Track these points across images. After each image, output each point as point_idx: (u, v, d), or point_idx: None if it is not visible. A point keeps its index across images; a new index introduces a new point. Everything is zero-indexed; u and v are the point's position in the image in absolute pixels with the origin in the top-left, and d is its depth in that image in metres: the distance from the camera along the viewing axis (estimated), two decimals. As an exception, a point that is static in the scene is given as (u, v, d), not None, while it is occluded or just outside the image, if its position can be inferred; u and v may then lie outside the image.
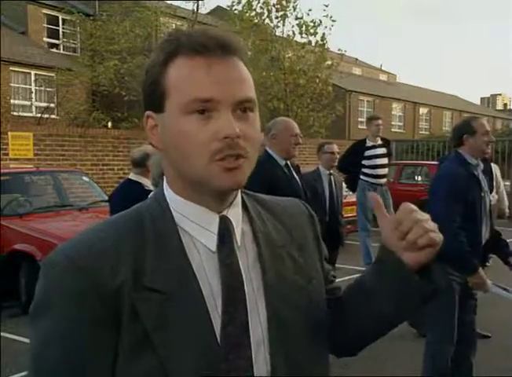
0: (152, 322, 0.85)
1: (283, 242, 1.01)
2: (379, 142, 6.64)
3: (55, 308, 0.85)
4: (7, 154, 9.78)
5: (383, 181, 6.62)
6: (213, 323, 0.89)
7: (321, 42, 16.59)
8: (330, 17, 16.38)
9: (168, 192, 0.96)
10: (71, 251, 0.88)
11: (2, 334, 4.57)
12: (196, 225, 0.93)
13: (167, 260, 0.89)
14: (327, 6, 16.17)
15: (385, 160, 6.43)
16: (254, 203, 1.04)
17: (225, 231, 0.94)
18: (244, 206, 1.00)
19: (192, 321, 0.87)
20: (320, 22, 16.36)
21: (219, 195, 0.93)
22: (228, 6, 17.21)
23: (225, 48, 0.89)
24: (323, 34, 16.50)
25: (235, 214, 0.96)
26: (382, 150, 6.55)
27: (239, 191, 0.99)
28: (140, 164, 4.49)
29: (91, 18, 19.07)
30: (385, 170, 6.22)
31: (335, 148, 5.43)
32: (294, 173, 4.02)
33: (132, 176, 4.66)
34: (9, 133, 10.06)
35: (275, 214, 1.05)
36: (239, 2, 16.41)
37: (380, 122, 6.58)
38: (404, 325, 5.39)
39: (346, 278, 6.78)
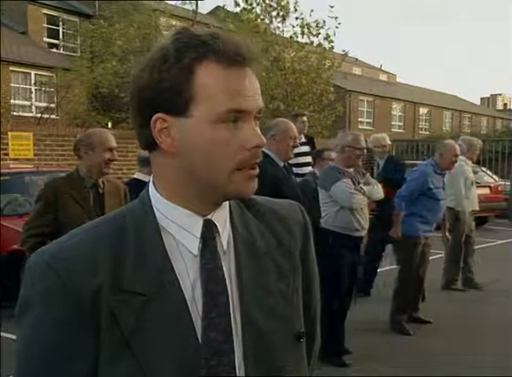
0: (131, 325, 0.85)
1: (268, 248, 0.98)
2: (303, 140, 6.34)
3: (33, 309, 0.87)
4: (7, 154, 9.78)
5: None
6: (195, 328, 0.88)
7: (329, 44, 16.49)
8: (336, 18, 16.31)
9: (153, 194, 0.94)
10: (49, 255, 0.89)
11: (2, 334, 4.58)
12: (180, 228, 0.92)
13: (148, 262, 0.88)
14: (332, 7, 16.12)
15: (308, 158, 6.23)
16: (243, 206, 1.01)
17: (208, 235, 0.92)
18: (229, 212, 0.98)
19: (173, 325, 0.87)
20: (324, 22, 16.33)
21: (223, 200, 0.93)
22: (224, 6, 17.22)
23: (250, 59, 0.90)
24: (327, 34, 16.44)
25: (220, 218, 0.95)
26: (305, 148, 6.35)
27: None
28: (148, 163, 4.48)
29: (90, 19, 19.07)
30: (308, 169, 6.01)
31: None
32: (292, 175, 4.00)
33: (138, 175, 4.64)
34: (9, 133, 10.06)
35: (264, 218, 1.02)
36: (237, 5, 16.38)
37: (305, 118, 6.44)
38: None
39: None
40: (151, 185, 0.96)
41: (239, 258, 0.95)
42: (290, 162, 6.25)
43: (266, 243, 0.99)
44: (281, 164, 3.86)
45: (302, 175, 5.68)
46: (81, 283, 0.85)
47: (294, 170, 6.36)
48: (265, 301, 0.94)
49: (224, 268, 0.92)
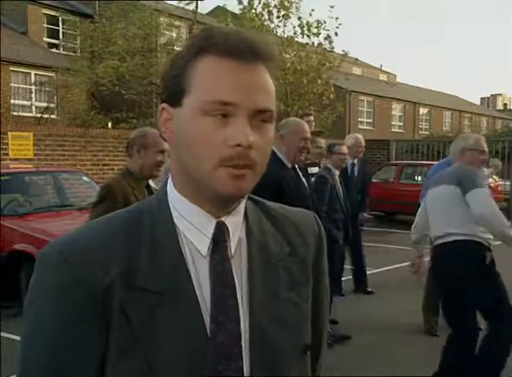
0: (141, 323, 0.84)
1: (282, 255, 0.96)
2: None
3: (44, 302, 0.85)
4: (7, 154, 9.77)
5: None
6: (206, 329, 0.86)
7: (328, 44, 16.47)
8: (336, 18, 16.29)
9: (171, 190, 0.93)
10: (63, 247, 0.87)
11: (2, 334, 4.55)
12: (192, 227, 0.90)
13: (162, 259, 0.87)
14: (332, 7, 16.11)
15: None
16: (259, 211, 0.99)
17: (220, 237, 0.90)
18: (245, 215, 0.96)
19: (184, 325, 0.85)
20: (325, 22, 16.32)
21: (220, 201, 0.89)
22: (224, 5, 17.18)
23: (257, 55, 0.87)
24: (328, 35, 16.43)
25: (234, 221, 0.93)
26: None
27: (244, 198, 0.96)
28: None
29: (90, 19, 19.07)
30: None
31: (345, 149, 5.36)
32: (302, 176, 3.83)
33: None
34: (9, 133, 10.05)
35: (280, 226, 1.00)
36: (240, 3, 16.37)
37: (311, 118, 6.38)
38: (412, 322, 5.39)
39: (346, 278, 6.77)
40: (169, 180, 0.95)
41: (252, 263, 0.93)
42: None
43: (280, 249, 0.97)
44: (289, 165, 3.67)
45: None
46: (94, 276, 0.84)
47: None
48: (275, 309, 0.92)
49: (235, 272, 0.90)
